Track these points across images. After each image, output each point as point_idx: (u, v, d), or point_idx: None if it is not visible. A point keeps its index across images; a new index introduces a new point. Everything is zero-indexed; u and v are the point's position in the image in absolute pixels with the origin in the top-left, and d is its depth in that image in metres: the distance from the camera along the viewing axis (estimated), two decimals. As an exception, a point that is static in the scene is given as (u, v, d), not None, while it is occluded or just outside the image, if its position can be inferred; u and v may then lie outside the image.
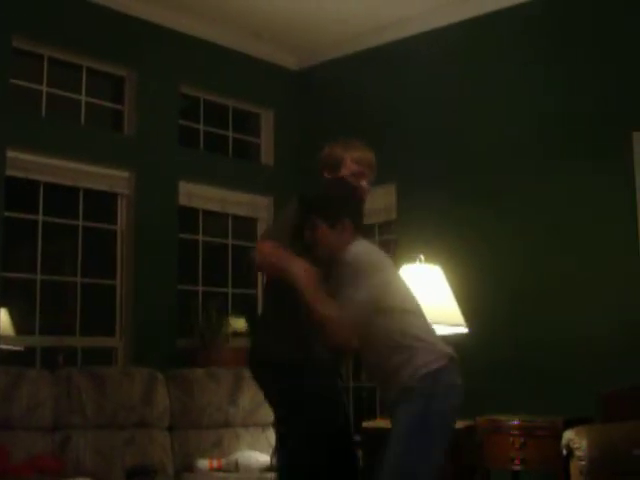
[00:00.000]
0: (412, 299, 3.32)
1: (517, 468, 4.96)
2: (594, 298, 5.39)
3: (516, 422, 4.95)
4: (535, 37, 5.91)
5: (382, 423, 4.96)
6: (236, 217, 6.91)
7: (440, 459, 3.10)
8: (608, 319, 5.29)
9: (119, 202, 6.10)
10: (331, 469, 3.49)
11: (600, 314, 5.33)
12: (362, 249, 3.31)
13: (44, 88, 5.83)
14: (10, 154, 5.43)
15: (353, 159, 3.71)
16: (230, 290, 6.80)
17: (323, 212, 3.39)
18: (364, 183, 3.71)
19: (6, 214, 5.42)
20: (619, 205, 5.39)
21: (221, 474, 5.18)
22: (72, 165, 5.80)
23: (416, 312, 3.28)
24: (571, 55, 5.71)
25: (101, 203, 6.12)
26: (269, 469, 5.32)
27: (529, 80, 5.88)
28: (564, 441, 4.53)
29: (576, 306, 5.45)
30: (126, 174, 6.07)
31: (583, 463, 4.43)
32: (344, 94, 6.93)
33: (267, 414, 5.77)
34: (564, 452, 4.52)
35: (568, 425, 4.66)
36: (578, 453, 4.46)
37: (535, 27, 5.91)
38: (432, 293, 4.96)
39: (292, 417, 3.49)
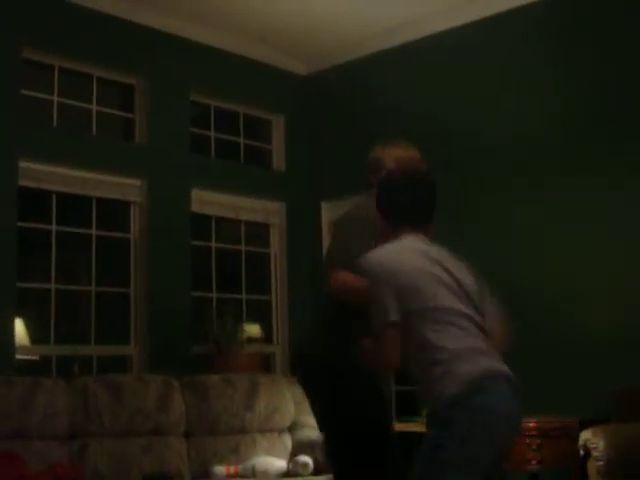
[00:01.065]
0: (444, 296, 2.92)
1: (534, 469, 4.96)
2: (607, 294, 5.37)
3: (532, 423, 4.94)
4: (546, 36, 5.89)
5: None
6: (249, 223, 6.91)
7: None
8: (622, 316, 5.27)
9: (132, 210, 6.12)
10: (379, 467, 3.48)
11: (614, 311, 5.31)
12: (376, 255, 3.04)
13: (55, 98, 5.86)
14: (22, 164, 5.46)
15: (392, 158, 3.70)
16: (244, 296, 6.81)
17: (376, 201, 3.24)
18: None
19: (19, 224, 5.44)
20: None
21: (238, 480, 5.19)
22: (84, 174, 5.82)
23: (448, 310, 2.90)
24: (586, 54, 5.70)
25: (114, 212, 6.14)
26: (286, 474, 5.33)
27: (544, 79, 5.87)
28: (581, 441, 4.52)
29: (589, 303, 5.44)
30: (138, 182, 6.09)
31: (600, 463, 4.41)
32: (354, 98, 6.93)
33: (283, 419, 5.79)
34: (581, 452, 4.50)
35: (584, 425, 4.65)
36: (595, 453, 4.44)
37: (546, 26, 5.89)
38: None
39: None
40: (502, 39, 6.09)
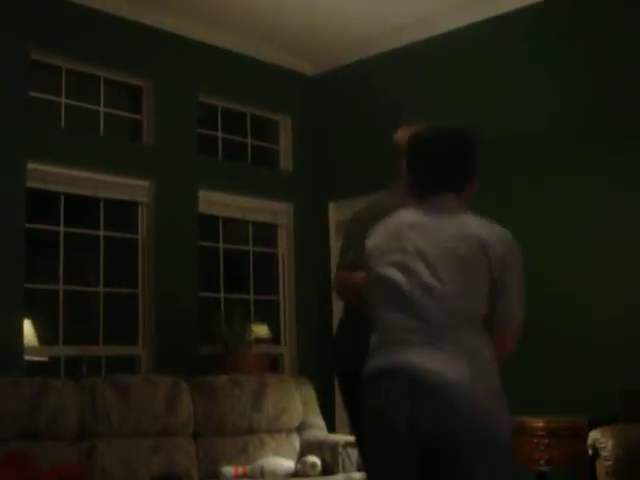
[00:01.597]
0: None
1: (543, 469, 4.96)
2: (616, 294, 5.36)
3: (540, 423, 4.94)
4: (546, 36, 5.89)
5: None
6: (256, 224, 6.92)
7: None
8: (634, 315, 5.26)
9: (139, 211, 6.13)
10: None
11: (625, 310, 5.30)
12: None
13: (63, 100, 5.88)
14: (30, 166, 5.47)
15: (406, 139, 3.63)
16: (252, 297, 6.82)
17: None
18: None
19: (28, 226, 5.45)
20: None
21: (246, 480, 5.20)
22: (92, 175, 5.83)
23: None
24: (586, 53, 5.70)
25: (122, 213, 6.16)
26: (294, 475, 5.34)
27: (546, 79, 5.87)
28: (590, 441, 4.51)
29: (599, 303, 5.43)
30: (146, 183, 6.10)
31: (609, 463, 4.41)
32: (361, 98, 6.94)
33: (291, 420, 5.80)
34: (590, 452, 4.50)
35: (592, 425, 4.64)
36: (604, 453, 4.44)
37: (547, 26, 5.89)
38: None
39: None
40: (505, 39, 6.09)
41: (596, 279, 5.46)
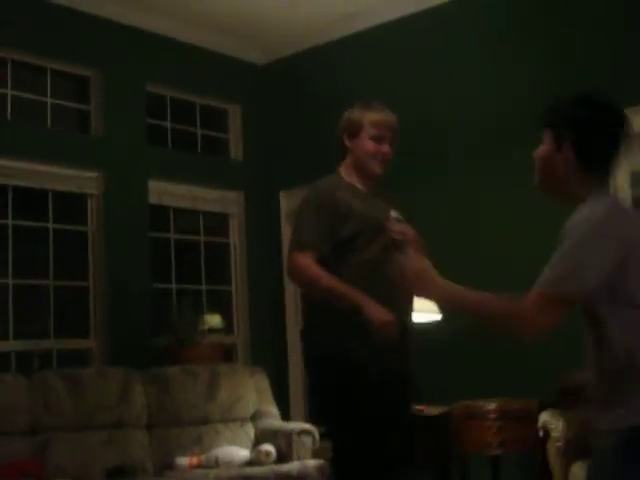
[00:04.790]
0: None
1: (495, 452, 5.01)
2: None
3: (492, 407, 4.99)
4: (498, 24, 5.93)
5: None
6: (207, 213, 6.90)
7: None
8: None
9: (89, 203, 6.08)
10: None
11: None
12: None
13: (9, 91, 5.80)
14: (-23, 159, 5.41)
15: (371, 122, 3.63)
16: (204, 287, 6.80)
17: None
18: (385, 147, 3.64)
19: (-25, 219, 5.39)
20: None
21: (201, 471, 5.19)
22: (40, 167, 5.77)
23: None
24: (541, 39, 5.75)
25: (71, 205, 6.10)
26: (249, 464, 5.35)
27: (502, 65, 5.91)
28: (540, 423, 4.58)
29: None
30: (95, 175, 6.05)
31: (559, 444, 4.49)
32: (312, 86, 6.93)
33: (245, 409, 5.81)
34: (541, 434, 4.57)
35: (543, 407, 4.71)
36: (554, 434, 4.52)
37: (500, 14, 5.93)
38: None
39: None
40: (454, 26, 6.12)
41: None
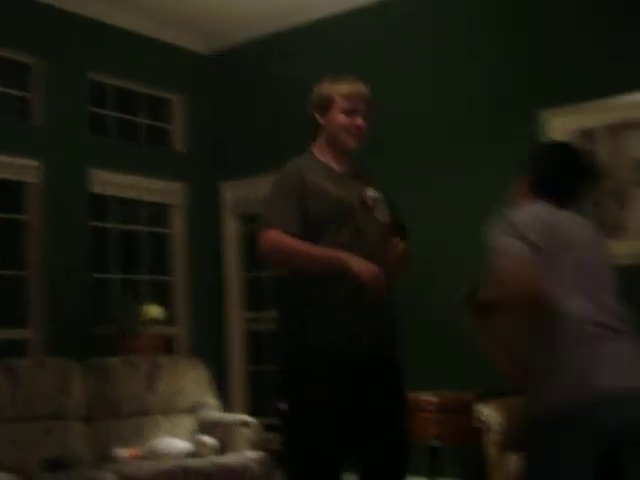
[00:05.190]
0: None
1: (435, 444, 5.06)
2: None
3: (430, 399, 5.03)
4: (455, 15, 5.98)
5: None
6: (149, 204, 6.85)
7: None
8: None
9: (28, 192, 6.00)
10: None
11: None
12: None
13: (-53, 77, 5.71)
14: None
15: (342, 95, 3.46)
16: (146, 277, 6.76)
17: None
18: (359, 120, 3.47)
19: None
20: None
21: (140, 462, 5.16)
22: (-22, 155, 5.69)
23: None
24: (485, 39, 5.81)
25: (9, 193, 6.01)
26: (189, 455, 5.33)
27: (447, 62, 5.95)
28: (478, 415, 4.63)
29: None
30: (35, 163, 5.96)
31: (496, 436, 4.54)
32: (257, 77, 6.91)
33: (186, 400, 5.80)
34: (479, 426, 4.62)
35: (482, 399, 4.76)
36: (492, 426, 4.57)
37: (457, 5, 5.98)
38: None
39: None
40: (409, 17, 6.15)
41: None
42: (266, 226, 3.32)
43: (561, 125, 5.48)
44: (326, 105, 3.49)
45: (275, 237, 3.28)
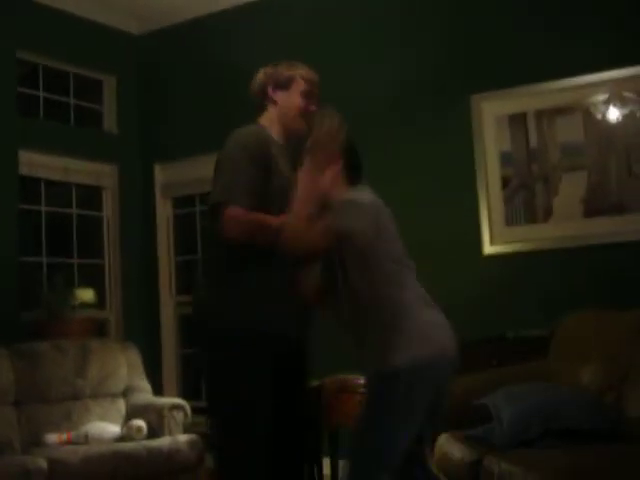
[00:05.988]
0: None
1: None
2: (441, 269, 5.48)
3: (362, 381, 5.06)
4: (390, 2, 6.01)
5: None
6: (80, 186, 6.76)
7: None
8: (458, 284, 5.46)
9: (-45, 173, 5.89)
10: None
11: (449, 281, 5.44)
12: None
13: None
14: None
15: (303, 77, 3.47)
16: (76, 261, 6.68)
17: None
18: (313, 106, 3.47)
19: None
20: (464, 172, 5.58)
21: (71, 447, 5.11)
22: None
23: None
24: (421, 23, 5.85)
25: None
26: (120, 439, 5.30)
27: (383, 46, 5.98)
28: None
29: (426, 276, 5.59)
30: (-39, 144, 5.86)
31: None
32: (188, 59, 6.87)
33: (116, 384, 5.75)
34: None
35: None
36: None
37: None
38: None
39: None
40: (346, 5, 6.17)
41: (435, 248, 5.61)
42: (224, 202, 3.19)
43: (492, 109, 5.55)
44: (286, 83, 3.47)
45: (235, 215, 3.17)
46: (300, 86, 3.47)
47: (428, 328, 2.98)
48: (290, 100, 3.47)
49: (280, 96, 3.48)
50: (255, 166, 3.24)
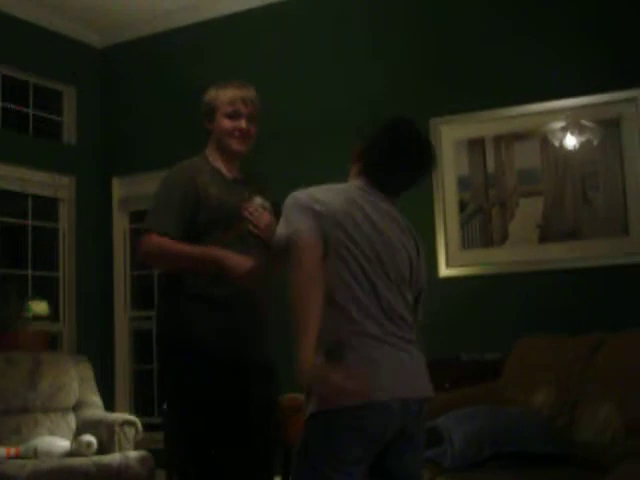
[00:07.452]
0: None
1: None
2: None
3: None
4: (358, 21, 6.03)
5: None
6: (36, 197, 6.71)
7: None
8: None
9: None
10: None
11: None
12: None
13: None
14: None
15: (225, 101, 3.52)
16: (30, 272, 6.61)
17: None
18: (242, 123, 3.52)
19: None
20: (421, 195, 5.61)
21: (19, 461, 5.04)
22: None
23: None
24: (387, 44, 5.89)
25: None
26: (69, 454, 5.24)
27: (349, 65, 6.01)
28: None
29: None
30: None
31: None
32: (150, 73, 6.85)
33: (67, 398, 5.69)
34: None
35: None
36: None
37: (360, 12, 6.03)
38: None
39: None
40: (308, 16, 6.21)
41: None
42: (146, 229, 3.37)
43: (451, 133, 5.60)
44: (211, 112, 3.56)
45: (155, 240, 3.33)
46: (223, 110, 3.54)
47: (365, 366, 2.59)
48: (218, 126, 3.56)
49: (211, 125, 3.59)
50: (179, 197, 3.38)
